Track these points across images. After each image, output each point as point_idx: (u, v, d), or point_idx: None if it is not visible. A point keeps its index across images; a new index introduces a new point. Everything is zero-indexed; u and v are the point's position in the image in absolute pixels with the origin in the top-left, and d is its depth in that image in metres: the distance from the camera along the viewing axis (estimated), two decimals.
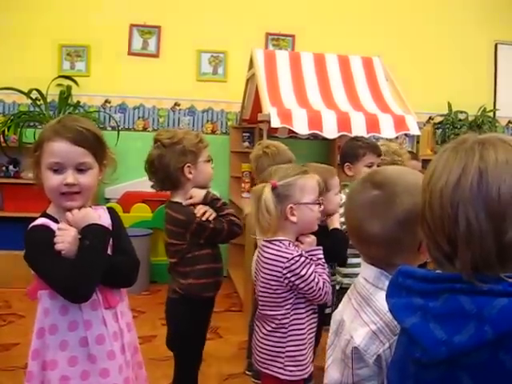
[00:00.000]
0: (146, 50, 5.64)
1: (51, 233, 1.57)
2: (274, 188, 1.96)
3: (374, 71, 4.73)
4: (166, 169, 2.23)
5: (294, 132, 4.11)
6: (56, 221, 1.64)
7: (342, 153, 3.07)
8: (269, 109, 3.99)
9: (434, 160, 1.03)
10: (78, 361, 1.60)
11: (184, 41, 5.61)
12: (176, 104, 5.69)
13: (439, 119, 6.00)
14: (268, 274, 1.99)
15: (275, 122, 3.91)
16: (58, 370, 1.58)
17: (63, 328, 1.60)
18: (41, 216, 1.66)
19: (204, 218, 2.21)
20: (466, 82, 6.10)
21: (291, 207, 1.97)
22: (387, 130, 4.07)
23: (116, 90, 5.57)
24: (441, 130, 5.99)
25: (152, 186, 2.33)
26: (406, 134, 4.49)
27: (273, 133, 4.67)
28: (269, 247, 2.01)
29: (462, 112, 5.94)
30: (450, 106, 5.96)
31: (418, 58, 5.93)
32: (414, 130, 4.16)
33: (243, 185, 5.43)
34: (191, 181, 2.28)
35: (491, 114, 6.08)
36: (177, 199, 2.29)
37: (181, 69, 5.63)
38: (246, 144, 5.58)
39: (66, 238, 1.55)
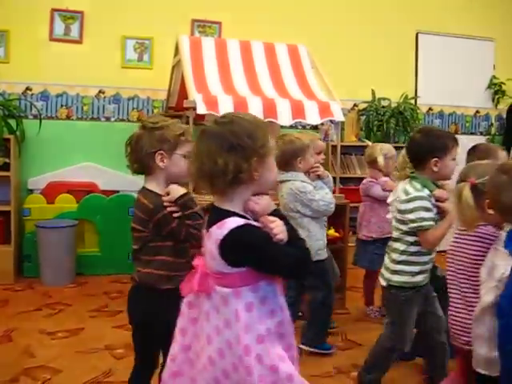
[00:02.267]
0: (69, 36, 5.47)
1: (257, 227, 1.66)
2: (473, 186, 2.16)
3: (299, 58, 4.78)
4: (139, 151, 2.20)
5: None
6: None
7: (423, 147, 2.62)
8: (194, 95, 3.97)
9: None
10: (278, 342, 1.69)
11: (108, 27, 5.49)
12: (100, 91, 5.57)
13: (363, 106, 6.14)
14: (474, 259, 2.22)
15: (201, 109, 3.89)
16: (273, 354, 1.65)
17: (266, 317, 1.67)
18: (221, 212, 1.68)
19: (167, 214, 2.18)
20: (389, 70, 6.26)
21: (488, 202, 2.08)
22: (312, 116, 4.13)
23: (37, 77, 5.39)
24: (365, 116, 6.13)
25: (127, 167, 2.30)
26: (331, 121, 4.57)
27: (200, 120, 4.65)
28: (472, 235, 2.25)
29: (385, 99, 6.09)
30: (373, 93, 6.10)
31: (343, 46, 6.04)
32: (339, 117, 4.24)
33: None
34: (163, 170, 2.23)
35: (413, 101, 6.26)
36: (149, 186, 2.25)
37: (105, 55, 5.50)
38: None
39: (281, 228, 1.64)
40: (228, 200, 1.68)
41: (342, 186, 5.14)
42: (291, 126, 5.54)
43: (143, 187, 2.28)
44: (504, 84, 6.80)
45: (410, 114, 6.03)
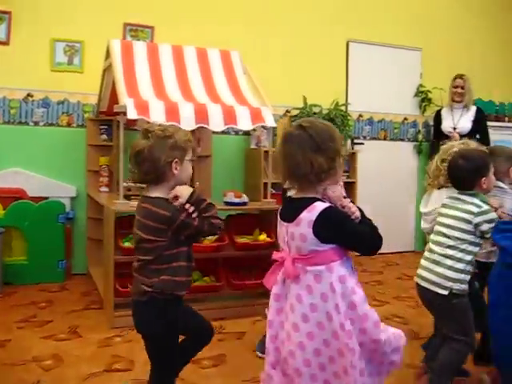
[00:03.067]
0: None
1: (339, 208, 1.97)
2: None
3: (231, 64, 4.79)
4: (156, 161, 2.17)
5: None
6: None
7: (471, 171, 2.76)
8: (125, 100, 3.92)
9: None
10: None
11: (37, 28, 5.36)
12: (29, 95, 5.41)
13: (295, 112, 6.21)
14: None
15: (132, 114, 3.85)
16: (371, 318, 1.96)
17: (357, 287, 1.97)
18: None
19: (186, 217, 2.19)
20: (321, 77, 6.37)
21: None
22: (244, 122, 4.14)
23: None
24: None
25: (131, 177, 2.29)
26: (263, 127, 4.60)
27: (131, 125, 4.60)
28: None
29: (316, 106, 6.18)
30: (305, 99, 6.18)
31: (275, 52, 6.12)
32: (270, 122, 4.27)
33: (101, 179, 5.32)
34: (174, 177, 2.23)
35: (343, 108, 6.38)
36: (157, 194, 2.22)
37: (34, 58, 5.36)
38: (104, 137, 5.44)
39: (356, 209, 1.98)
40: (314, 191, 1.97)
41: (274, 192, 5.16)
42: (223, 132, 5.58)
43: (147, 196, 2.24)
44: (430, 92, 7.03)
45: (341, 120, 6.13)
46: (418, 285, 2.83)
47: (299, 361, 1.95)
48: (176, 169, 2.21)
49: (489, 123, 6.94)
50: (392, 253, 6.72)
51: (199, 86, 4.50)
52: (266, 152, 5.33)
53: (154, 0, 5.71)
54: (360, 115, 6.82)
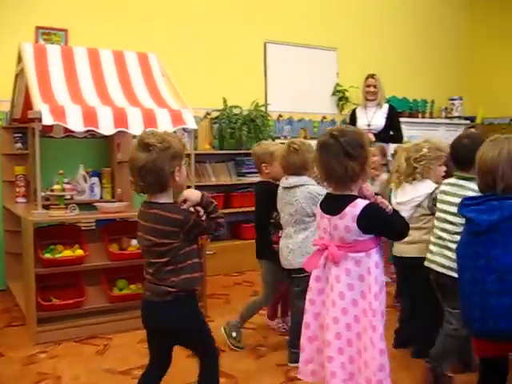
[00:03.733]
0: None
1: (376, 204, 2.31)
2: None
3: (149, 67, 4.71)
4: (160, 172, 2.26)
5: (70, 131, 3.93)
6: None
7: (472, 151, 2.76)
8: (40, 106, 3.78)
9: (483, 146, 2.32)
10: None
11: None
12: None
13: (216, 114, 6.19)
14: None
15: (47, 120, 3.71)
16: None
17: (383, 272, 2.34)
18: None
19: (197, 218, 2.34)
20: (240, 78, 6.38)
21: None
22: (164, 125, 4.08)
23: None
24: (218, 124, 6.18)
25: (134, 189, 2.36)
26: (184, 129, 4.55)
27: (47, 132, 4.44)
28: None
29: (236, 107, 6.19)
30: (225, 101, 6.18)
31: (194, 54, 6.08)
32: (191, 125, 4.24)
33: (17, 189, 5.10)
34: (176, 182, 2.34)
35: (263, 109, 6.42)
36: (164, 200, 2.32)
37: None
38: (19, 145, 5.20)
39: (387, 203, 2.34)
40: (349, 190, 2.28)
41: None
42: None
43: (154, 202, 2.33)
44: (347, 91, 7.20)
45: (261, 121, 6.18)
46: (431, 270, 3.00)
47: (332, 333, 2.24)
48: (177, 176, 2.32)
49: (403, 119, 7.18)
50: None
51: (117, 89, 4.40)
52: (188, 155, 5.25)
53: (67, 2, 5.54)
54: (280, 115, 6.88)
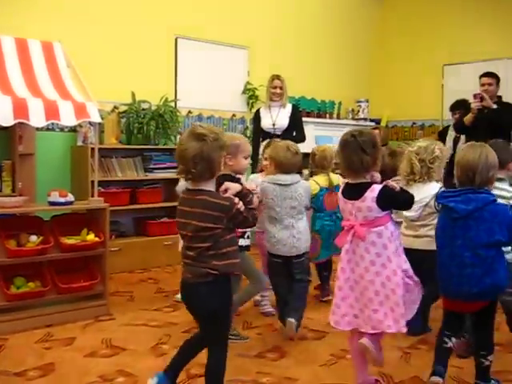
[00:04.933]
0: None
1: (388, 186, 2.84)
2: None
3: (54, 57, 4.54)
4: (211, 160, 2.48)
5: None
6: None
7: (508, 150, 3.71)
8: None
9: (462, 150, 2.97)
10: None
11: None
12: None
13: (124, 108, 6.07)
14: None
15: None
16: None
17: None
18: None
19: (240, 207, 2.54)
20: (149, 73, 6.29)
21: None
22: (67, 118, 3.95)
23: None
24: (125, 119, 6.06)
25: (185, 177, 2.55)
26: (90, 123, 4.44)
27: None
28: None
29: (145, 102, 6.10)
30: (133, 95, 6.07)
31: (103, 47, 5.92)
32: (95, 118, 4.13)
33: None
34: (218, 172, 2.59)
35: (173, 104, 6.36)
36: (208, 188, 2.54)
37: None
38: None
39: (396, 184, 2.88)
40: (363, 178, 2.84)
41: (102, 190, 5.01)
42: (48, 129, 5.31)
43: (200, 189, 2.53)
44: (257, 89, 7.24)
45: (170, 116, 6.11)
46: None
47: (371, 292, 2.80)
48: (221, 166, 2.58)
49: (311, 120, 7.36)
50: None
51: (19, 79, 4.20)
52: (93, 149, 5.12)
53: None
54: (189, 111, 6.84)
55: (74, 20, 5.71)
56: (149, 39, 6.35)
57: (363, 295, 2.85)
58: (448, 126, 7.16)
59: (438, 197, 3.03)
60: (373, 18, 8.99)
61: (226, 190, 2.56)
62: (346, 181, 2.98)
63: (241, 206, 2.54)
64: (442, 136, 6.76)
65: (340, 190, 2.99)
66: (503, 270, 2.83)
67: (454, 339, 2.99)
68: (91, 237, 4.21)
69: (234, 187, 2.59)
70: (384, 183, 2.84)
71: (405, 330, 2.82)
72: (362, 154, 2.79)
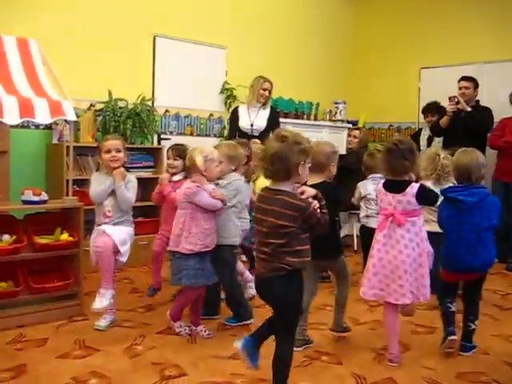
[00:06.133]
0: None
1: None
2: None
3: (29, 53, 4.47)
4: (287, 160, 2.64)
5: None
6: None
7: None
8: None
9: (456, 156, 3.68)
10: None
11: None
12: None
13: (100, 106, 6.01)
14: None
15: None
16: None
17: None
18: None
19: (315, 209, 2.69)
20: (127, 71, 6.25)
21: None
22: (42, 115, 3.90)
23: None
24: (102, 117, 6.00)
25: (264, 174, 2.78)
26: (65, 121, 4.38)
27: None
28: None
29: (122, 100, 6.04)
30: (110, 93, 6.02)
31: (80, 45, 5.84)
32: (71, 116, 4.08)
33: None
34: (297, 176, 2.72)
35: (150, 103, 6.32)
36: (286, 188, 2.69)
37: None
38: None
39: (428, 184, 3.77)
40: (406, 176, 3.40)
41: (77, 188, 4.95)
42: (22, 126, 5.24)
43: (278, 189, 2.70)
44: (235, 89, 7.23)
45: (147, 115, 6.06)
46: None
47: (402, 270, 3.31)
48: (300, 170, 2.69)
49: (289, 120, 7.36)
50: None
51: None
52: (67, 147, 5.05)
53: None
54: (167, 110, 6.79)
55: (50, 17, 5.63)
56: (127, 37, 6.29)
57: (393, 273, 3.35)
58: (420, 129, 7.36)
59: (446, 191, 3.61)
60: (350, 20, 9.03)
61: (302, 193, 2.71)
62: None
63: (317, 208, 2.69)
64: (414, 138, 6.82)
65: (381, 184, 3.51)
66: (494, 248, 3.54)
67: (454, 303, 3.65)
68: (65, 236, 4.16)
69: (309, 191, 2.74)
70: (420, 182, 3.52)
71: (424, 298, 3.42)
72: (402, 160, 3.36)
